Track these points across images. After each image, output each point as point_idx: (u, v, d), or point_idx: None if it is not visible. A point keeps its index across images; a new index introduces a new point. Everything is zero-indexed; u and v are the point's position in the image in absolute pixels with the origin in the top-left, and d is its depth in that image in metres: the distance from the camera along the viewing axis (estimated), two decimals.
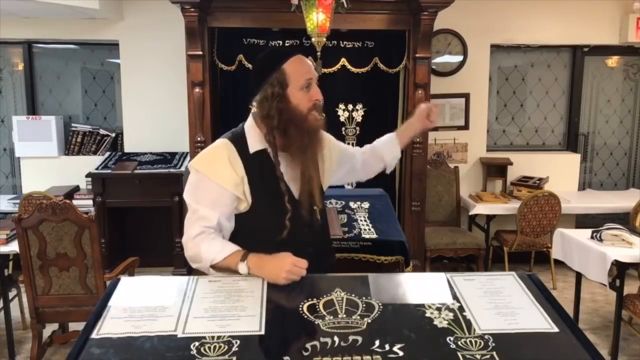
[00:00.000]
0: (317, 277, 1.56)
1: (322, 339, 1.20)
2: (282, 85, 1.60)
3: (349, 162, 1.95)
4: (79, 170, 4.55)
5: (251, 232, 1.67)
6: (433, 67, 4.56)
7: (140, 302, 1.34)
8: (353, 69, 4.00)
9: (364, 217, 2.59)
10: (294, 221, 1.63)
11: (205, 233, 1.58)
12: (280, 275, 1.44)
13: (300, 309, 1.32)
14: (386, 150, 1.99)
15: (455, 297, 1.39)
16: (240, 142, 1.65)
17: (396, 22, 3.89)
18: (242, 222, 1.67)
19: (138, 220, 4.71)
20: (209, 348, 1.17)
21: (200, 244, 1.57)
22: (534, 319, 1.30)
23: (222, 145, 1.65)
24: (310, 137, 1.63)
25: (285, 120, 1.59)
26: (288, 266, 1.45)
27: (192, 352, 1.15)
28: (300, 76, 1.60)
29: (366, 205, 2.68)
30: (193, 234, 1.59)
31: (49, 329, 3.29)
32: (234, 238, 1.68)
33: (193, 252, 1.59)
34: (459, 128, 4.95)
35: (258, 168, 1.63)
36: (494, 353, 1.16)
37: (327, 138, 1.82)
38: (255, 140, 1.65)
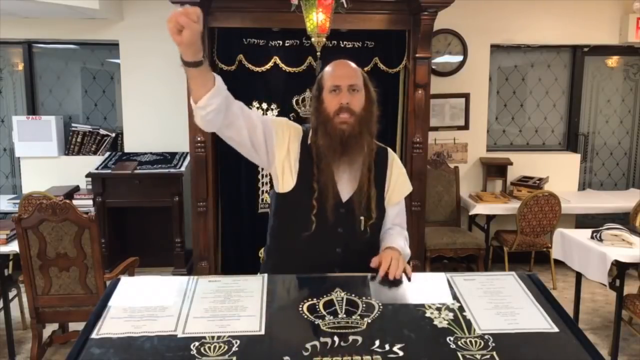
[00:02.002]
0: (317, 277, 1.56)
1: (322, 339, 1.20)
2: (319, 87, 1.74)
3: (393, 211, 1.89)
4: (79, 170, 4.55)
5: (286, 218, 1.77)
6: (433, 67, 4.56)
7: (140, 302, 1.35)
8: None
9: None
10: (321, 218, 1.68)
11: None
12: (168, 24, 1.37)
13: (300, 309, 1.32)
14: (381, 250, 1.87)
15: (455, 297, 1.39)
16: (306, 132, 1.77)
17: (396, 22, 3.89)
18: (282, 204, 1.76)
19: (138, 220, 4.70)
20: (209, 348, 1.17)
21: None
22: (534, 319, 1.30)
23: (296, 125, 1.80)
24: (333, 138, 1.66)
25: (318, 120, 1.70)
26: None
27: (192, 352, 1.15)
28: (330, 79, 1.70)
29: None
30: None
31: (49, 329, 3.29)
32: (272, 218, 1.83)
33: None
34: (459, 128, 4.95)
35: (309, 159, 1.72)
36: (494, 353, 1.16)
37: (397, 166, 1.85)
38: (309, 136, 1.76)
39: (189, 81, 1.52)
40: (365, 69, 4.00)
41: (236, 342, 1.19)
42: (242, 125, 1.64)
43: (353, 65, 1.76)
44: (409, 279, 1.50)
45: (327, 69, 1.74)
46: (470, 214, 4.60)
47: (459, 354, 1.16)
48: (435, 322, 1.28)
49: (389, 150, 1.89)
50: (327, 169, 1.69)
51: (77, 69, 4.99)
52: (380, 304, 1.35)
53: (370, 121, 1.74)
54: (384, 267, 1.50)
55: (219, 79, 1.53)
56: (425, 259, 4.31)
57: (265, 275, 1.48)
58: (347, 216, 1.71)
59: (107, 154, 4.66)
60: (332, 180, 1.69)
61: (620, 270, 3.12)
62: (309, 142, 1.74)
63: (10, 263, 3.71)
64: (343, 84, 1.68)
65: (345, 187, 1.73)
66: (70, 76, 4.98)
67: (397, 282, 1.52)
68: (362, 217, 1.72)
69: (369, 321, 1.28)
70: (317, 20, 2.92)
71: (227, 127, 1.63)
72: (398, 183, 1.83)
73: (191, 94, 1.54)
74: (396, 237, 1.80)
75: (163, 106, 4.68)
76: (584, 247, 3.28)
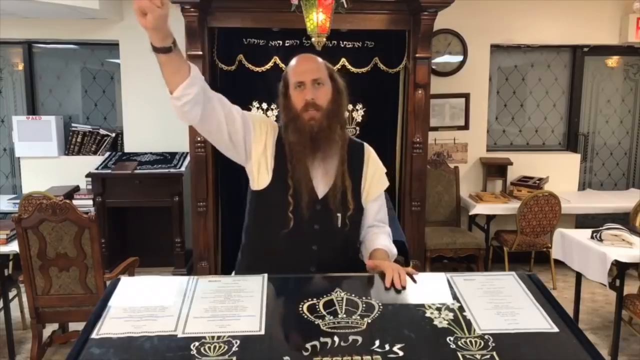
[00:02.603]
0: (317, 277, 1.56)
1: (322, 339, 1.20)
2: (285, 83, 1.72)
3: (372, 210, 1.85)
4: (79, 170, 4.54)
5: (261, 216, 1.76)
6: (433, 67, 4.56)
7: (140, 302, 1.34)
8: (353, 69, 4.00)
9: None
10: (297, 215, 1.66)
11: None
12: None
13: (300, 309, 1.32)
14: (364, 250, 1.83)
15: (455, 297, 1.39)
16: (281, 131, 1.75)
17: (396, 22, 3.89)
18: (257, 202, 1.75)
19: (138, 220, 4.70)
20: (209, 348, 1.17)
21: None
22: (534, 319, 1.30)
23: (273, 121, 1.80)
24: (302, 134, 1.65)
25: (288, 118, 1.69)
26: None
27: (192, 352, 1.15)
28: (293, 76, 1.69)
29: None
30: None
31: (49, 329, 3.29)
32: (249, 223, 1.82)
33: None
34: (459, 128, 4.95)
35: (284, 156, 1.70)
36: (494, 353, 1.16)
37: (374, 161, 1.83)
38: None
39: (161, 68, 1.49)
40: (365, 69, 4.01)
41: (236, 342, 1.19)
42: (221, 119, 1.62)
43: (316, 58, 1.73)
44: (415, 281, 1.49)
45: (291, 64, 1.72)
46: (470, 214, 4.60)
47: (459, 354, 1.16)
48: (435, 322, 1.28)
49: (365, 145, 1.86)
50: (302, 166, 1.67)
51: (77, 69, 4.99)
52: (380, 304, 1.35)
53: (338, 113, 1.71)
54: (388, 280, 1.46)
55: (194, 69, 1.51)
56: (425, 259, 4.31)
57: (265, 275, 1.47)
58: (323, 213, 1.70)
59: (107, 154, 4.66)
60: (307, 176, 1.67)
61: (620, 270, 3.12)
62: (282, 140, 1.73)
63: (10, 263, 3.71)
64: (306, 79, 1.65)
65: (321, 184, 1.71)
66: (70, 76, 4.98)
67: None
68: (338, 214, 1.71)
69: (369, 321, 1.27)
70: (317, 20, 2.92)
71: (205, 120, 1.60)
72: (375, 178, 1.81)
73: (166, 84, 1.51)
74: (380, 236, 1.78)
75: (163, 106, 4.65)
76: (584, 247, 3.28)
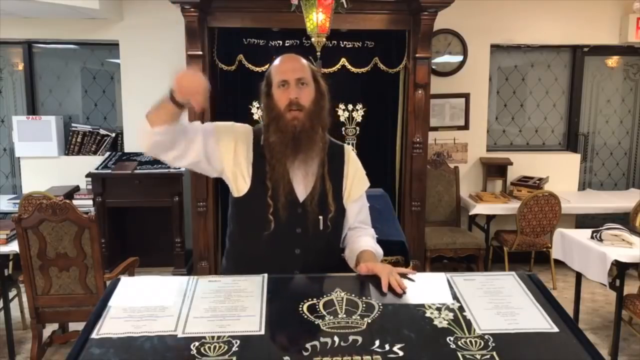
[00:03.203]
0: (317, 277, 1.56)
1: (322, 339, 1.20)
2: (268, 83, 1.71)
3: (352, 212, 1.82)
4: (79, 170, 4.54)
5: (243, 221, 1.75)
6: (433, 67, 4.56)
7: (140, 302, 1.34)
8: (353, 69, 4.00)
9: None
10: (278, 218, 1.65)
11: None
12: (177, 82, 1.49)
13: (300, 309, 1.32)
14: (349, 253, 1.77)
15: (455, 297, 1.39)
16: (257, 133, 1.74)
17: (396, 22, 3.89)
18: (238, 207, 1.75)
19: (138, 220, 4.70)
20: (209, 348, 1.17)
21: None
22: (534, 319, 1.30)
23: (245, 126, 1.78)
24: (284, 134, 1.63)
25: (271, 117, 1.68)
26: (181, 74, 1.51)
27: (192, 352, 1.15)
28: (277, 74, 1.68)
29: None
30: None
31: (49, 329, 3.29)
32: (232, 229, 1.81)
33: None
34: (459, 128, 4.95)
35: (262, 158, 1.69)
36: (494, 353, 1.16)
37: (354, 162, 1.81)
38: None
39: (160, 110, 1.56)
40: (365, 69, 4.01)
41: (236, 342, 1.19)
42: (182, 146, 1.64)
43: (300, 58, 1.72)
44: (412, 280, 1.49)
45: (275, 63, 1.71)
46: (470, 214, 4.60)
47: (459, 354, 1.16)
48: (435, 322, 1.28)
49: (345, 146, 1.85)
50: (281, 168, 1.65)
51: (77, 69, 4.99)
52: (380, 304, 1.35)
53: (321, 115, 1.70)
54: (384, 284, 1.44)
55: (181, 117, 1.59)
56: (425, 259, 4.32)
57: (265, 275, 1.47)
58: (305, 216, 1.68)
59: (107, 154, 4.66)
60: (287, 178, 1.66)
61: (620, 270, 3.12)
62: (261, 142, 1.70)
63: (10, 263, 3.72)
64: (291, 77, 1.64)
65: (302, 187, 1.70)
66: (70, 76, 4.98)
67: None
68: (320, 216, 1.69)
69: (369, 321, 1.27)
70: (317, 20, 2.92)
71: (169, 150, 1.63)
72: (356, 179, 1.79)
73: (152, 117, 1.57)
74: (364, 238, 1.76)
75: None
76: (584, 247, 3.28)
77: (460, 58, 4.86)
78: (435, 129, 4.80)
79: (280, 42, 3.93)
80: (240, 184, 1.70)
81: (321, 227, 1.70)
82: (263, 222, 1.66)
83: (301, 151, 1.66)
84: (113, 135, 4.86)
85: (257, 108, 3.94)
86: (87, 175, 4.34)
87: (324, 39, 3.11)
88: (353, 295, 1.39)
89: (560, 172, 5.06)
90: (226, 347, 1.17)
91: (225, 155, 1.69)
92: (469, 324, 1.27)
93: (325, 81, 1.75)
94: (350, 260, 1.74)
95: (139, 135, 1.61)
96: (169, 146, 1.62)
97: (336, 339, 1.20)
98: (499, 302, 1.37)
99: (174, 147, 1.64)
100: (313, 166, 1.71)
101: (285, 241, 1.68)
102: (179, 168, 4.36)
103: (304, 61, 1.72)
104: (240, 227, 1.77)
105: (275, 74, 1.68)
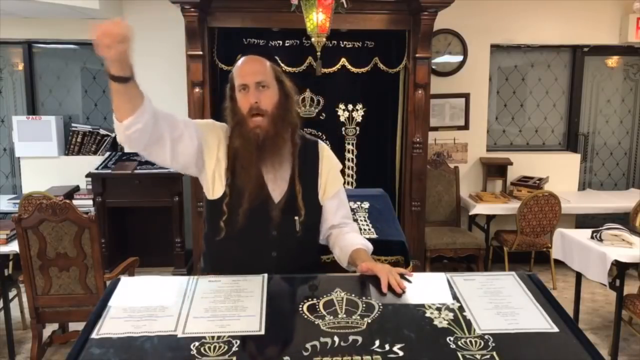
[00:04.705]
0: (317, 277, 1.56)
1: (322, 339, 1.20)
2: (231, 86, 1.66)
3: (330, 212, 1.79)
4: (79, 170, 4.54)
5: (217, 223, 1.68)
6: (433, 67, 4.56)
7: (140, 302, 1.35)
8: (353, 69, 4.00)
9: (364, 217, 2.58)
10: (254, 221, 1.63)
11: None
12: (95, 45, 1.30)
13: (300, 309, 1.32)
14: (340, 252, 1.74)
15: (455, 297, 1.39)
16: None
17: (396, 22, 3.89)
18: (212, 209, 1.69)
19: (138, 220, 4.70)
20: (209, 348, 1.17)
21: None
22: (534, 319, 1.30)
23: (223, 125, 1.72)
24: (246, 141, 1.60)
25: (235, 122, 1.64)
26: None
27: (192, 352, 1.15)
28: (237, 78, 1.64)
29: (366, 205, 2.67)
30: None
31: (49, 329, 3.29)
32: (207, 232, 1.77)
33: None
34: (459, 128, 4.95)
35: (235, 159, 1.66)
36: (494, 353, 1.16)
37: (328, 159, 1.78)
38: None
39: (113, 96, 1.44)
40: (365, 69, 4.01)
41: (236, 342, 1.19)
42: (167, 146, 1.57)
43: (262, 60, 1.67)
44: (409, 281, 1.49)
45: (236, 65, 1.66)
46: (470, 214, 4.60)
47: (459, 354, 1.16)
48: (435, 322, 1.28)
49: (320, 143, 1.81)
50: (253, 170, 1.62)
51: (77, 69, 4.99)
52: (380, 304, 1.35)
53: (285, 118, 1.65)
54: (384, 284, 1.42)
55: (147, 98, 1.49)
56: (425, 259, 4.31)
57: (265, 275, 1.47)
58: (281, 218, 1.66)
59: (107, 154, 4.66)
60: (258, 180, 1.63)
61: (620, 270, 3.12)
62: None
63: (10, 263, 3.72)
64: (249, 81, 1.60)
65: (275, 189, 1.67)
66: (70, 76, 4.98)
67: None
68: (296, 217, 1.67)
69: (369, 321, 1.27)
70: (317, 20, 2.92)
71: (151, 146, 1.55)
72: (330, 176, 1.76)
73: (115, 110, 1.47)
74: (352, 235, 1.74)
75: (163, 106, 4.61)
76: (584, 247, 3.28)
77: (460, 58, 4.86)
78: (435, 129, 4.81)
79: (280, 42, 3.93)
80: (217, 187, 1.66)
81: (297, 229, 1.68)
82: (238, 225, 1.63)
83: (267, 157, 1.63)
84: (113, 135, 4.86)
85: None
86: (87, 175, 4.34)
87: (324, 39, 3.11)
88: (353, 295, 1.39)
89: (560, 172, 5.06)
90: (226, 347, 1.17)
91: (207, 157, 1.66)
92: (469, 324, 1.27)
93: (290, 81, 1.70)
94: (342, 259, 1.71)
95: (118, 137, 1.53)
96: (152, 140, 1.53)
97: (336, 339, 1.20)
98: (499, 302, 1.37)
99: (159, 140, 1.55)
100: (285, 167, 1.68)
101: (261, 244, 1.67)
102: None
103: (266, 62, 1.67)
104: (215, 229, 1.70)
105: (235, 77, 1.64)
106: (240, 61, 1.67)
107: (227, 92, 1.68)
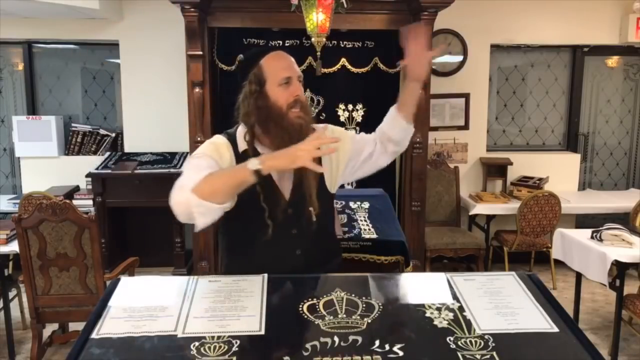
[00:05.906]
0: (317, 277, 1.56)
1: (322, 339, 1.20)
2: (260, 82, 1.62)
3: (362, 153, 1.81)
4: (79, 170, 4.54)
5: (238, 231, 1.68)
6: (433, 67, 4.56)
7: (140, 302, 1.35)
8: (353, 69, 4.00)
9: (364, 217, 2.58)
10: (276, 221, 1.61)
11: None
12: (296, 154, 1.39)
13: (300, 309, 1.32)
14: (389, 128, 1.80)
15: (455, 297, 1.39)
16: (233, 141, 1.67)
17: (396, 22, 3.89)
18: (230, 221, 1.64)
19: (138, 220, 4.70)
20: (209, 348, 1.17)
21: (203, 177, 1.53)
22: (534, 319, 1.30)
23: (219, 138, 1.70)
24: (291, 134, 1.58)
25: (264, 117, 1.61)
26: (301, 145, 1.40)
27: (192, 352, 1.15)
28: (278, 72, 1.61)
29: (366, 205, 2.67)
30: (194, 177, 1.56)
31: (49, 329, 3.29)
32: (223, 237, 1.74)
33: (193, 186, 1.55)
34: (459, 128, 4.95)
35: None
36: (494, 353, 1.16)
37: (339, 135, 1.74)
38: (242, 140, 1.66)
39: (230, 183, 1.46)
40: (365, 69, 4.01)
41: (236, 342, 1.19)
42: None
43: (288, 55, 1.69)
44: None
45: (268, 62, 1.62)
46: (470, 214, 4.60)
47: (459, 354, 1.16)
48: (435, 322, 1.28)
49: (328, 127, 1.78)
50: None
51: (77, 69, 4.99)
52: (380, 304, 1.35)
53: (309, 108, 1.69)
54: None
55: None
56: (425, 259, 4.31)
57: (265, 275, 1.47)
58: (297, 214, 1.65)
59: (107, 154, 4.66)
60: (272, 180, 1.62)
61: (620, 270, 3.12)
62: (240, 149, 1.64)
63: (10, 263, 3.72)
64: (293, 74, 1.62)
65: (285, 186, 1.66)
66: (70, 76, 4.98)
67: (397, 282, 1.52)
68: (311, 208, 1.65)
69: (369, 321, 1.27)
70: (317, 20, 2.92)
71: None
72: (339, 154, 1.73)
73: (217, 194, 1.45)
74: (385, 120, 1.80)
75: (163, 106, 4.67)
76: (584, 247, 3.28)
77: (460, 58, 4.86)
78: (435, 129, 4.80)
79: (280, 42, 3.93)
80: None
81: (314, 219, 1.67)
82: (261, 229, 1.62)
83: None
84: (113, 135, 4.86)
85: None
86: (87, 175, 4.34)
87: (324, 39, 3.11)
88: (353, 295, 1.39)
89: (560, 172, 5.06)
90: (226, 347, 1.17)
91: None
92: (469, 324, 1.27)
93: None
94: (390, 131, 1.78)
95: (194, 216, 1.50)
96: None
97: (336, 339, 1.20)
98: (499, 302, 1.37)
99: None
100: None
101: (284, 244, 1.65)
102: (180, 168, 4.36)
103: None
104: (235, 239, 1.70)
105: (274, 71, 1.62)
106: (272, 57, 1.65)
107: (249, 89, 1.63)
